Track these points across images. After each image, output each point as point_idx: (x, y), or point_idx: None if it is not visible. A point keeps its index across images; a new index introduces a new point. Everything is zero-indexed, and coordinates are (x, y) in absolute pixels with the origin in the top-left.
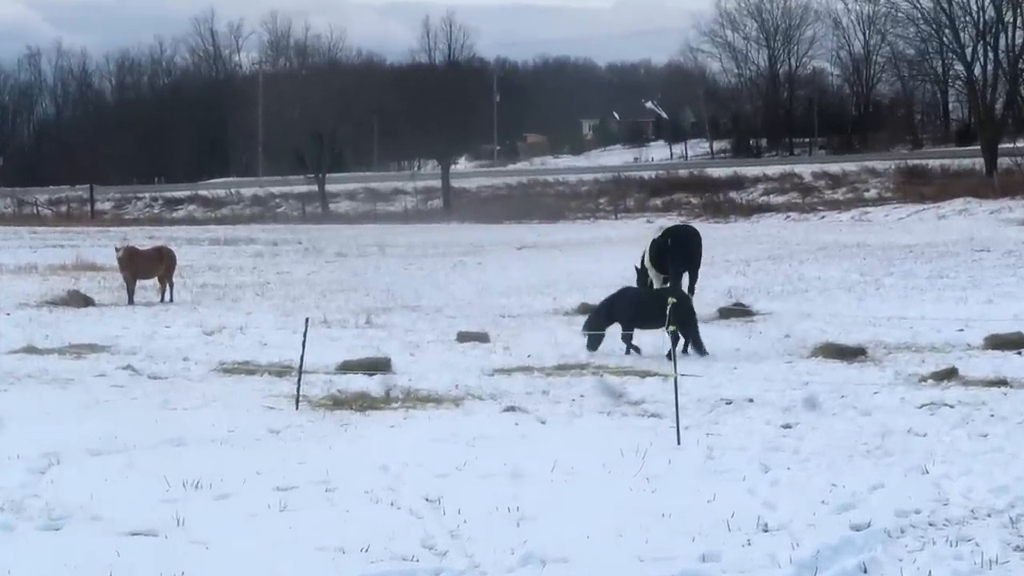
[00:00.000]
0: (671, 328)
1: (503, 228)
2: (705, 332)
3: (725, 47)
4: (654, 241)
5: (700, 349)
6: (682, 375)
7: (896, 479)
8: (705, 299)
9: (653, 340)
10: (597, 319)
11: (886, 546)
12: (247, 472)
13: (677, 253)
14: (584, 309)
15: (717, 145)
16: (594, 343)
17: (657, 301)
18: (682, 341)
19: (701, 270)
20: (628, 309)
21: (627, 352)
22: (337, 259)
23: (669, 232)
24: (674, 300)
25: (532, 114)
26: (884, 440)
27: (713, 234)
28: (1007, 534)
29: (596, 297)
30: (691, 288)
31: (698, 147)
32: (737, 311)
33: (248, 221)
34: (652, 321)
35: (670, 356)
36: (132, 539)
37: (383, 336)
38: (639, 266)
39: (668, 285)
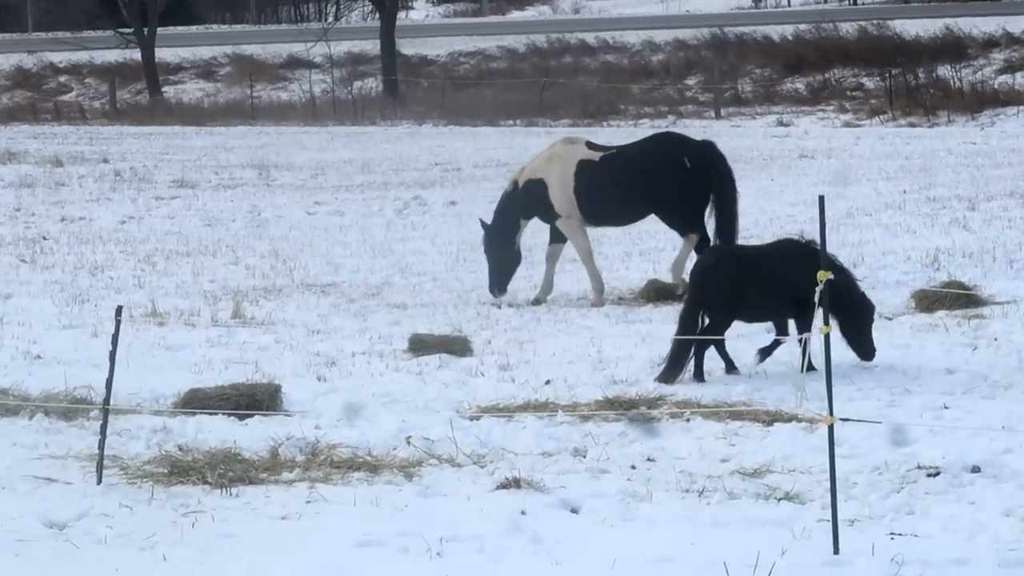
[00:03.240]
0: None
1: (499, 136)
2: (891, 339)
3: None
4: (586, 164)
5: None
6: (843, 420)
7: None
8: (890, 274)
9: (788, 348)
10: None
11: None
12: None
13: (704, 180)
14: (655, 292)
15: None
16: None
17: (800, 266)
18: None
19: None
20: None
21: (729, 368)
22: (178, 193)
23: (672, 142)
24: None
25: None
26: None
27: (905, 148)
28: None
29: (684, 270)
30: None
31: None
32: (950, 298)
33: (6, 119)
34: (776, 307)
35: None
36: None
37: (267, 342)
38: (510, 199)
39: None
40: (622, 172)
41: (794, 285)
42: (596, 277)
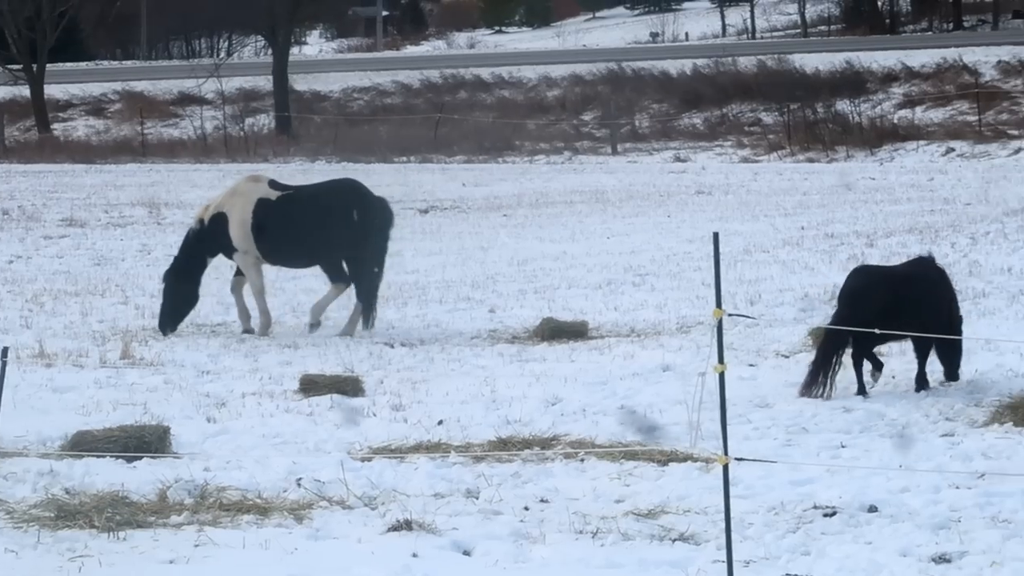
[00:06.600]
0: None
1: (393, 172)
2: (788, 377)
3: None
4: (264, 203)
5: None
6: (739, 459)
7: None
8: (787, 312)
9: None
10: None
11: None
12: None
13: (374, 235)
14: (550, 331)
15: (813, 10)
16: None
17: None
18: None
19: None
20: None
21: (860, 389)
22: (67, 232)
23: (345, 191)
24: None
25: None
26: None
27: (804, 183)
28: None
29: (579, 308)
30: (370, 300)
31: (777, 15)
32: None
33: None
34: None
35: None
36: None
37: (156, 383)
38: (197, 236)
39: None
40: (293, 214)
41: (930, 304)
42: (266, 313)
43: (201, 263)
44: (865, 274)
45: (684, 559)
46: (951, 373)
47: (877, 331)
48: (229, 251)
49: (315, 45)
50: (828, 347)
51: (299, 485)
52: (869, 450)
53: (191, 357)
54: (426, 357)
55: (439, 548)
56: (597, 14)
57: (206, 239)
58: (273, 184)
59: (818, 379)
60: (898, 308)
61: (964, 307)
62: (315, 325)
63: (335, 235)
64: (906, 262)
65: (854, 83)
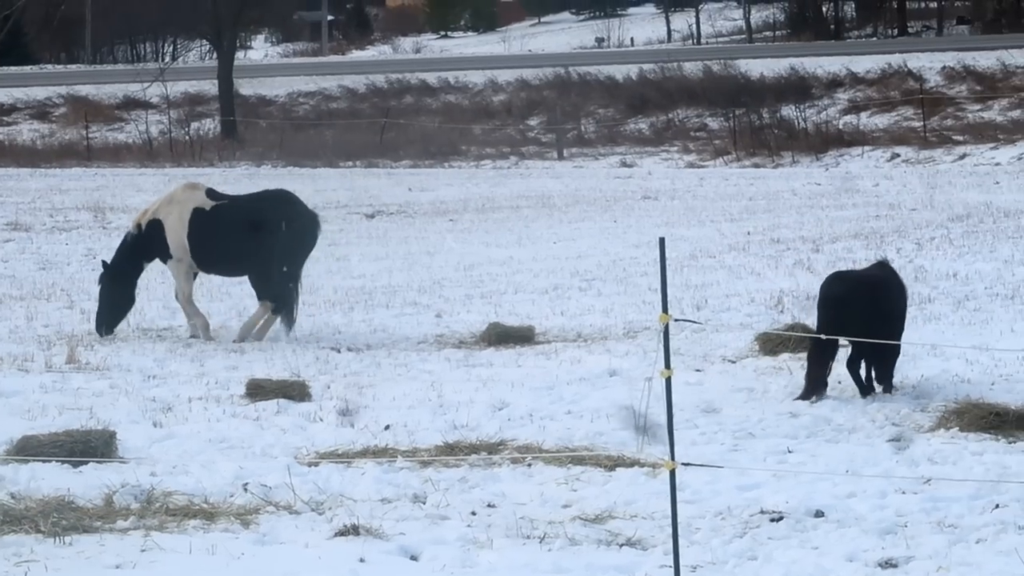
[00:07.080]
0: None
1: (339, 177)
2: (734, 382)
3: None
4: (199, 212)
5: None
6: (685, 464)
7: None
8: (734, 317)
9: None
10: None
11: None
12: None
13: (296, 248)
14: (496, 336)
15: (758, 15)
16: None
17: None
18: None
19: None
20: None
21: (864, 393)
22: (11, 236)
23: (275, 201)
24: None
25: None
26: None
27: (750, 188)
28: None
29: (526, 313)
30: (291, 313)
31: (722, 20)
32: (793, 340)
33: None
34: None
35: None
36: None
37: (102, 388)
38: (134, 241)
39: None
40: (226, 224)
41: (894, 306)
42: (198, 315)
43: (138, 267)
44: (844, 280)
45: (631, 564)
46: (887, 385)
47: (823, 336)
48: (165, 257)
49: (260, 49)
50: (818, 356)
51: (246, 490)
52: (816, 455)
53: (137, 362)
54: (373, 362)
55: (386, 553)
56: (543, 19)
57: (143, 244)
58: (210, 193)
59: (815, 388)
60: (875, 313)
61: (910, 312)
62: (240, 341)
63: (264, 245)
64: (872, 266)
65: (799, 89)
